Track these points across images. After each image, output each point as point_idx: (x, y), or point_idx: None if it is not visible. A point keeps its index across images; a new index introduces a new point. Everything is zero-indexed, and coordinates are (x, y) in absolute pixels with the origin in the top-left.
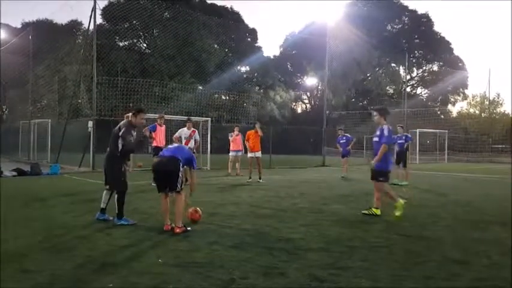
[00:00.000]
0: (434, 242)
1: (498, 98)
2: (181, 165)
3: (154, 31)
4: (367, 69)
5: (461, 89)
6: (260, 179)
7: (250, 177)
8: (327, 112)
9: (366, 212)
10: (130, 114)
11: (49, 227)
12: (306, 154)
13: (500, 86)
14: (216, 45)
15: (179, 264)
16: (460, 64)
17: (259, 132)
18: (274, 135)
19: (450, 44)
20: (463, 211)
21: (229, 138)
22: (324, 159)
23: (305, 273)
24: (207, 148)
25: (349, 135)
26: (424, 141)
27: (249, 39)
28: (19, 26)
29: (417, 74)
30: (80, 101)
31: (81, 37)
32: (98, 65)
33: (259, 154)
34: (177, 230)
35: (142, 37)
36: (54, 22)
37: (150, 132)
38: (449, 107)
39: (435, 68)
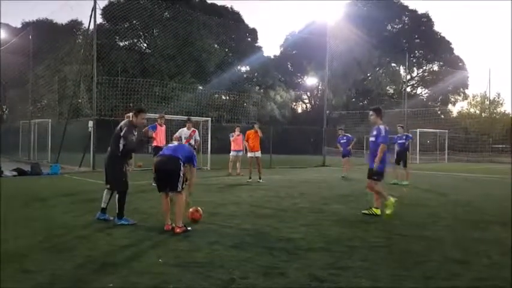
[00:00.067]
0: (435, 242)
1: (498, 98)
2: (182, 164)
3: (155, 31)
4: (367, 69)
5: (461, 89)
6: (260, 179)
7: (250, 177)
8: (327, 112)
9: (366, 212)
10: (130, 114)
11: (49, 227)
12: (306, 154)
13: (500, 85)
14: (216, 45)
15: (179, 264)
16: (460, 64)
17: (259, 133)
18: (275, 135)
19: (450, 43)
20: (463, 211)
21: (230, 138)
22: (324, 159)
23: (305, 273)
24: (207, 148)
25: (349, 135)
26: (424, 141)
27: (249, 39)
28: (19, 25)
29: (417, 73)
30: (80, 100)
31: (81, 37)
32: (98, 65)
33: (258, 154)
34: (178, 230)
35: (143, 37)
36: (54, 22)
37: (151, 132)
38: (450, 106)
39: (435, 67)
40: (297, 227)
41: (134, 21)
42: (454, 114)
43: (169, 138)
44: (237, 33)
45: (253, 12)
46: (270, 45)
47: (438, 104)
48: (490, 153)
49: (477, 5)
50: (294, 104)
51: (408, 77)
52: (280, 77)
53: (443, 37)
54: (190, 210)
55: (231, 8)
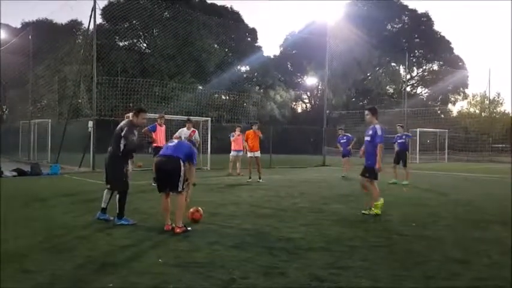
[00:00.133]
0: (435, 242)
1: (498, 98)
2: (183, 164)
3: (154, 31)
4: (367, 69)
5: (461, 89)
6: (260, 178)
7: (250, 177)
8: (327, 112)
9: (366, 212)
10: (130, 114)
11: (49, 227)
12: (306, 154)
13: (500, 85)
14: (216, 45)
15: (179, 264)
16: (460, 63)
17: (259, 134)
18: (275, 135)
19: (450, 43)
20: (463, 210)
21: (231, 138)
22: (324, 158)
23: (305, 273)
24: (207, 148)
25: (349, 135)
26: (424, 141)
27: (249, 39)
28: (19, 26)
29: (417, 73)
30: (80, 101)
31: (81, 37)
32: (98, 65)
33: (258, 154)
34: (178, 230)
35: (142, 37)
36: (54, 22)
37: (150, 132)
38: (450, 106)
39: (435, 67)
40: (297, 227)
41: (134, 21)
42: (454, 113)
43: (169, 138)
44: (236, 33)
45: (253, 12)
46: (270, 45)
47: (438, 103)
48: (490, 152)
49: (477, 5)
50: (294, 103)
51: (408, 76)
52: (280, 76)
53: (443, 37)
54: (191, 210)
55: (231, 8)
